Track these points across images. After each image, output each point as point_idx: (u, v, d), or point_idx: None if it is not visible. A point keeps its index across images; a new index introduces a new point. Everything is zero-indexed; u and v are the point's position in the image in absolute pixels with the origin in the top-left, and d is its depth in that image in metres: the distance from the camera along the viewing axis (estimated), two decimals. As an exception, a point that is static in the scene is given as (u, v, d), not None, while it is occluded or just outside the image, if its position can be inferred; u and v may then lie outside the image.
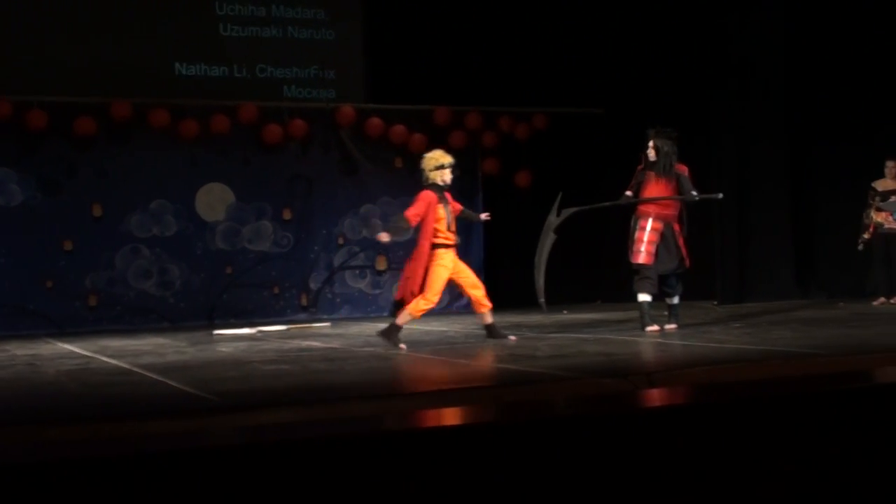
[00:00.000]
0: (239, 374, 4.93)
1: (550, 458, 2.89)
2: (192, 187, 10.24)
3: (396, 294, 6.37)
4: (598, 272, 11.14)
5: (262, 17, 10.65)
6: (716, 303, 9.24)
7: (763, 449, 3.10)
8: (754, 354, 4.83)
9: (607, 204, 6.85)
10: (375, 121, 10.62)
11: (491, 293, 6.54)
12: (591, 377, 4.16)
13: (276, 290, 10.52)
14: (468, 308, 10.20)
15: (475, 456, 2.83)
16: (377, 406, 3.63)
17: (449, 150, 11.23)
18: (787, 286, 9.43)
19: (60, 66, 9.78)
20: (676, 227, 6.57)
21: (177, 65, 10.34)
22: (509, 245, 10.22)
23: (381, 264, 10.88)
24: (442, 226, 6.16)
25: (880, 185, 8.58)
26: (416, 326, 8.23)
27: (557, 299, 6.57)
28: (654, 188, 6.56)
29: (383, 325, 6.39)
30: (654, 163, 6.57)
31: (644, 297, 6.51)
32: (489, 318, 6.35)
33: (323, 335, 7.82)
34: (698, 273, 7.35)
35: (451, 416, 3.36)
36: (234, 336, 8.03)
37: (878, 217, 8.53)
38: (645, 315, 6.50)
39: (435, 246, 6.14)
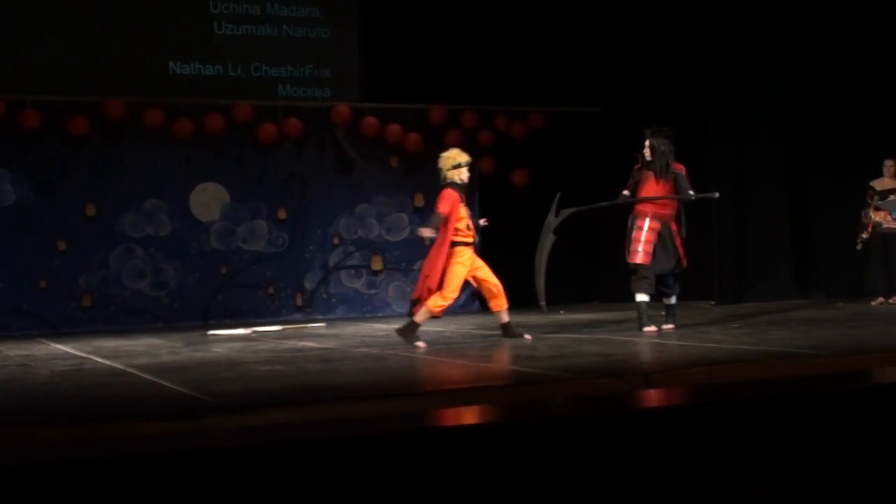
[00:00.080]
0: (234, 375, 4.91)
1: (548, 458, 2.88)
2: (187, 187, 10.20)
3: (414, 293, 6.34)
4: (595, 272, 11.14)
5: (257, 15, 10.62)
6: (713, 303, 9.23)
7: (761, 449, 3.09)
8: (752, 355, 4.82)
9: (605, 204, 6.84)
10: (371, 120, 10.60)
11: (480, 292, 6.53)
12: (588, 378, 4.15)
13: (271, 291, 10.49)
14: (463, 308, 10.24)
15: (473, 456, 2.82)
16: (373, 407, 3.62)
17: (445, 149, 11.20)
18: (785, 286, 9.42)
19: (54, 64, 9.74)
20: (674, 226, 6.56)
21: (171, 64, 10.31)
22: (506, 244, 10.20)
23: (377, 264, 10.86)
24: (462, 224, 6.21)
25: (879, 184, 8.57)
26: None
27: (555, 299, 6.57)
28: (652, 188, 6.55)
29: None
30: (650, 162, 6.56)
31: (641, 298, 6.50)
32: (505, 318, 6.37)
33: (318, 335, 7.80)
34: (696, 273, 7.34)
35: (447, 417, 3.35)
36: (229, 336, 8.00)
37: (876, 216, 8.52)
38: (642, 315, 6.49)
39: (454, 244, 6.18)
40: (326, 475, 2.68)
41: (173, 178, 10.13)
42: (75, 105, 9.66)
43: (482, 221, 6.93)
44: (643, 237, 6.48)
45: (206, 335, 8.19)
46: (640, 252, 6.47)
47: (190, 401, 3.95)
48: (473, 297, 9.89)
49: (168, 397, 4.13)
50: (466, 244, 6.24)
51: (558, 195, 6.73)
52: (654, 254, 6.48)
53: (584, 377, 4.17)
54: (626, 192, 6.66)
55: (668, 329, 6.52)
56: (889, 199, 8.41)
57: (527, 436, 2.94)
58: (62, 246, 9.75)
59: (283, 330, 8.77)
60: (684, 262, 6.59)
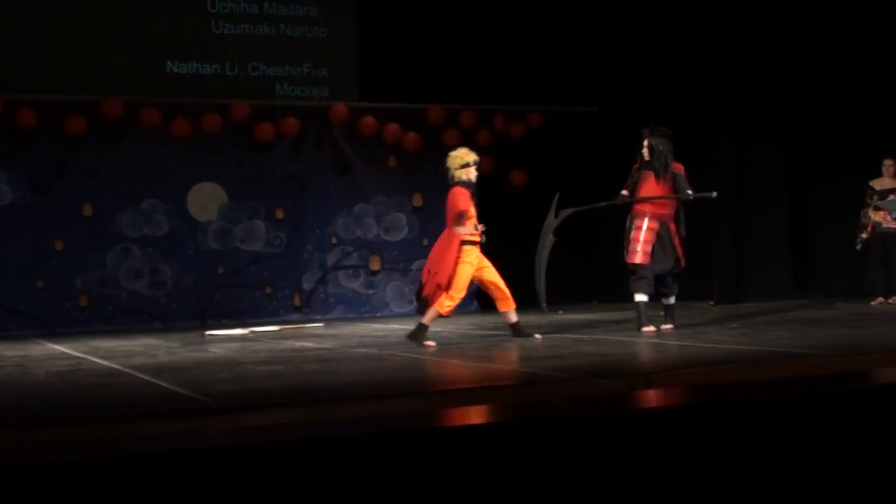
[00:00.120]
0: (231, 376, 4.90)
1: (546, 459, 2.88)
2: (184, 186, 10.19)
3: (425, 291, 6.26)
4: (593, 272, 11.13)
5: (255, 14, 10.61)
6: (712, 303, 9.22)
7: (760, 450, 3.08)
8: (751, 355, 4.81)
9: (604, 204, 6.82)
10: (369, 119, 10.59)
11: (486, 293, 6.51)
12: (586, 378, 4.14)
13: (269, 291, 10.47)
14: (462, 308, 10.22)
15: (471, 457, 2.82)
16: (371, 407, 3.61)
17: (443, 149, 11.22)
18: (784, 286, 9.41)
19: (50, 64, 9.72)
20: (672, 226, 6.55)
21: (168, 63, 10.29)
22: (504, 244, 10.19)
23: (375, 264, 10.84)
24: (471, 223, 6.20)
25: (878, 183, 8.54)
26: (410, 327, 8.18)
27: (553, 299, 6.56)
28: (650, 187, 6.54)
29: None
30: (649, 162, 6.54)
31: (640, 298, 6.49)
32: (514, 318, 6.36)
33: (316, 336, 7.79)
34: (695, 273, 7.33)
35: (446, 418, 3.34)
36: (227, 337, 7.99)
37: (876, 216, 8.50)
38: (641, 315, 6.47)
39: (463, 242, 6.17)
40: (324, 476, 2.67)
41: (170, 177, 10.12)
42: (72, 104, 9.65)
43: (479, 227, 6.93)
44: (642, 237, 6.47)
45: (203, 335, 8.17)
46: (639, 252, 6.45)
47: (187, 401, 3.94)
48: (471, 297, 9.87)
49: (165, 398, 4.11)
50: (474, 243, 6.24)
51: (557, 195, 6.71)
52: (653, 254, 6.47)
53: (582, 377, 4.16)
54: (624, 192, 6.65)
55: (667, 329, 6.50)
56: (888, 198, 8.39)
57: (525, 436, 2.93)
58: (59, 246, 9.74)
59: (281, 330, 8.75)
60: (683, 263, 6.58)
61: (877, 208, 8.47)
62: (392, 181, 10.90)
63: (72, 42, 9.86)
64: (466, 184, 6.29)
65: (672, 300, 6.67)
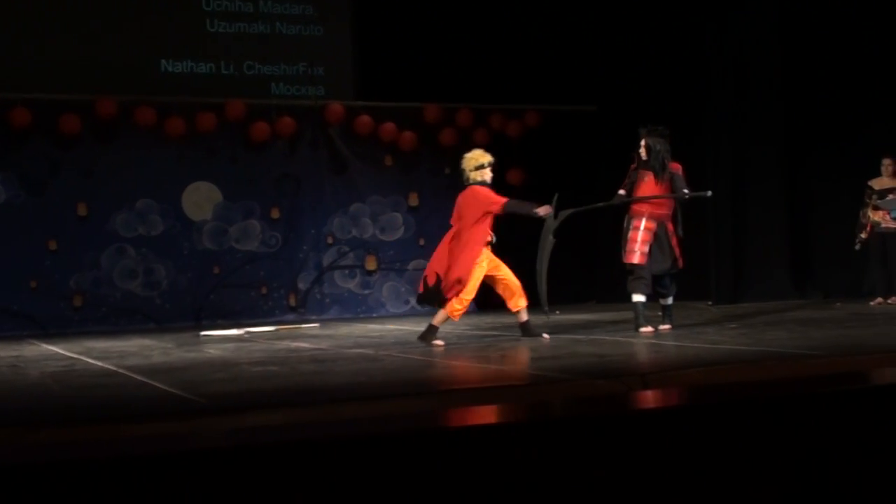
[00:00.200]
0: (226, 376, 4.89)
1: (544, 460, 2.86)
2: (179, 186, 10.16)
3: (446, 291, 6.14)
4: (591, 272, 11.11)
5: (250, 13, 10.58)
6: (710, 303, 9.21)
7: (759, 451, 3.08)
8: (749, 355, 4.80)
9: (601, 204, 6.80)
10: (365, 118, 10.56)
11: (484, 293, 6.49)
12: (584, 378, 4.13)
13: (265, 291, 10.44)
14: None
15: (468, 458, 2.80)
16: (367, 408, 3.60)
17: (439, 148, 11.21)
18: (782, 286, 9.41)
19: (44, 62, 9.69)
20: (670, 226, 6.53)
21: (163, 62, 10.26)
22: (501, 244, 10.17)
23: (371, 264, 10.82)
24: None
25: (877, 183, 8.52)
26: (406, 327, 8.17)
27: (550, 299, 6.54)
28: (648, 187, 6.52)
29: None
30: (646, 161, 6.52)
31: (638, 298, 6.47)
32: (524, 317, 6.37)
33: (312, 336, 7.77)
34: (693, 273, 7.32)
35: (442, 419, 3.32)
36: (222, 337, 7.97)
37: (875, 216, 8.47)
38: (639, 316, 6.46)
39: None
40: (320, 477, 2.66)
41: (165, 177, 10.08)
42: (66, 103, 9.61)
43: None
44: (639, 237, 6.45)
45: (198, 336, 8.16)
46: (637, 252, 6.44)
47: (182, 402, 3.92)
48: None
49: (160, 398, 4.10)
50: (487, 244, 6.27)
51: (556, 196, 6.67)
52: (651, 254, 6.45)
53: (580, 378, 4.15)
54: (621, 192, 6.63)
55: (665, 330, 6.49)
56: (887, 198, 8.36)
57: (522, 437, 2.92)
58: (53, 246, 9.70)
59: (277, 331, 8.73)
60: (680, 263, 6.56)
61: (876, 208, 8.45)
62: (388, 180, 10.88)
63: (66, 41, 9.82)
64: (482, 185, 6.33)
65: (670, 301, 6.65)
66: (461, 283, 6.08)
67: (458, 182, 6.58)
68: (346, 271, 10.78)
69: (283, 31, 10.71)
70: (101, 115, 9.70)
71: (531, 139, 11.07)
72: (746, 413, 3.18)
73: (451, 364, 5.22)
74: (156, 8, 10.19)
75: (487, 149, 6.98)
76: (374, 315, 10.64)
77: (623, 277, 6.65)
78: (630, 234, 6.51)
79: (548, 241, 6.55)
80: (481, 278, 6.21)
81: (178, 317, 10.02)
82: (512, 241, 9.09)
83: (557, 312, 8.94)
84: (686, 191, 6.50)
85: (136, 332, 9.10)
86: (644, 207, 6.51)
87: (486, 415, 3.44)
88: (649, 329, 6.41)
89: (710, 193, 6.76)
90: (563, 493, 2.85)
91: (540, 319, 6.66)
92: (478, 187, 6.29)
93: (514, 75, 10.92)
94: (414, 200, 10.93)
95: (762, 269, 9.50)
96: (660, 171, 6.46)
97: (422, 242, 10.87)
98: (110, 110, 9.70)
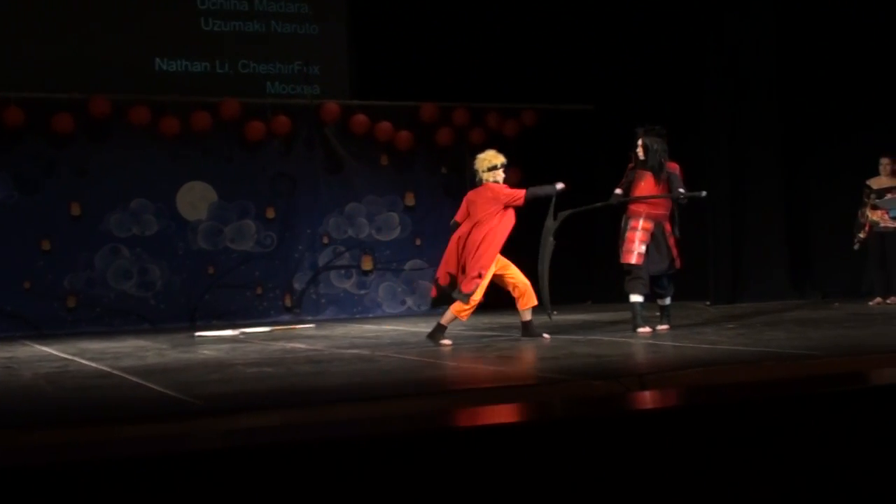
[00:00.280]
0: (221, 377, 4.87)
1: (542, 460, 2.85)
2: (173, 186, 10.13)
3: (464, 286, 6.11)
4: (588, 272, 11.10)
5: (245, 11, 10.55)
6: (708, 303, 9.21)
7: (757, 451, 3.07)
8: (748, 356, 4.79)
9: (599, 205, 6.79)
10: (361, 117, 10.53)
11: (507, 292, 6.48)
12: (581, 379, 4.12)
13: (260, 291, 10.41)
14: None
15: (465, 459, 2.79)
16: (362, 409, 3.58)
17: (436, 147, 11.17)
18: (781, 286, 9.40)
19: (38, 61, 9.66)
20: (667, 226, 6.52)
21: (157, 60, 10.23)
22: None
23: (367, 264, 10.79)
24: None
25: (875, 182, 8.50)
26: (402, 328, 8.15)
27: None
28: (645, 187, 6.51)
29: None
30: (643, 161, 6.51)
31: (636, 298, 6.46)
32: (528, 316, 6.38)
33: (307, 337, 7.75)
34: (691, 273, 7.31)
35: (439, 419, 3.30)
36: (217, 338, 7.95)
37: (873, 215, 8.46)
38: (637, 316, 6.44)
39: None
40: (316, 478, 2.65)
41: (160, 176, 10.05)
42: (60, 102, 9.58)
43: None
44: (637, 237, 6.44)
45: (193, 337, 8.14)
46: (634, 252, 6.42)
47: (176, 403, 3.91)
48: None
49: (154, 400, 4.09)
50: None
51: (554, 199, 6.66)
52: (648, 254, 6.43)
53: (577, 379, 4.14)
54: (618, 191, 6.61)
55: (663, 330, 6.48)
56: (886, 197, 8.34)
57: (520, 438, 2.91)
58: (46, 246, 9.67)
59: (272, 331, 8.70)
60: (678, 263, 6.55)
61: (874, 207, 8.43)
62: (384, 180, 10.85)
63: (59, 39, 9.79)
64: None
65: (668, 301, 6.64)
66: (481, 276, 6.09)
67: (456, 181, 6.58)
68: (342, 271, 10.75)
69: (279, 29, 10.68)
70: (95, 114, 9.67)
71: (528, 138, 11.05)
72: (745, 413, 3.17)
73: (448, 365, 5.20)
74: (150, 6, 10.16)
75: (484, 148, 7.00)
76: (371, 315, 10.61)
77: (620, 277, 6.64)
78: (627, 234, 6.49)
79: (548, 243, 6.54)
80: (489, 279, 6.21)
81: (172, 317, 9.99)
82: (511, 242, 9.07)
83: (556, 313, 8.94)
84: (682, 191, 6.48)
85: (131, 333, 9.07)
86: (641, 207, 6.50)
87: (485, 416, 3.42)
88: (647, 329, 6.39)
89: (704, 194, 6.74)
90: (561, 494, 2.84)
91: (541, 320, 6.64)
92: (493, 184, 6.33)
93: (510, 74, 10.90)
94: (410, 200, 10.91)
95: (760, 269, 9.50)
96: (657, 171, 6.44)
97: (418, 242, 10.85)
98: (104, 109, 9.67)
